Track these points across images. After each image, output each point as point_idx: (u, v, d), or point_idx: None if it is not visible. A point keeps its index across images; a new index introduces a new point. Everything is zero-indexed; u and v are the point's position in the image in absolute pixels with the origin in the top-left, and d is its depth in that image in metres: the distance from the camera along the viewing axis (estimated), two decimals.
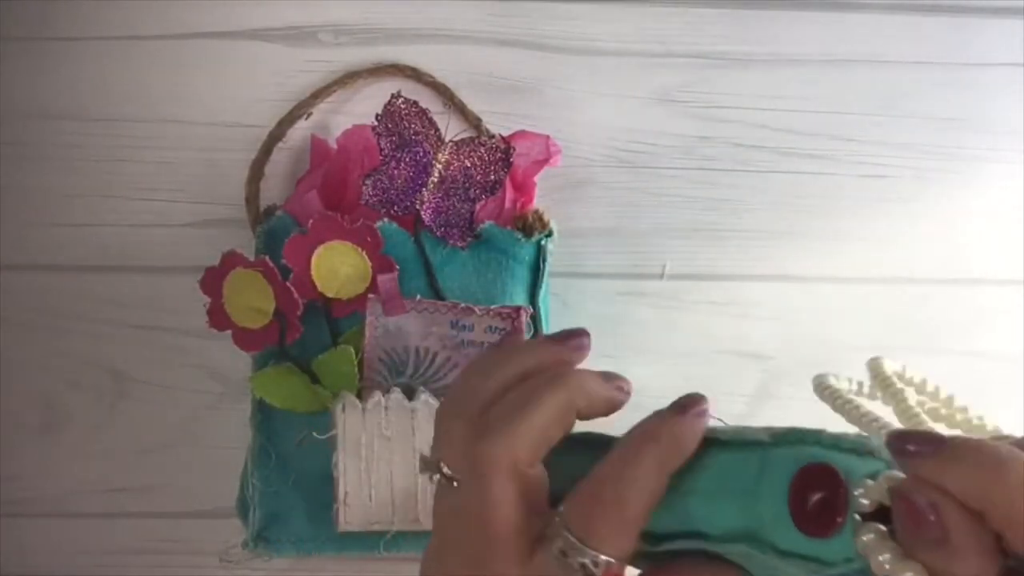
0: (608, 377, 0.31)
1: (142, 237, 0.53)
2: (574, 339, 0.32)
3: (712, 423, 0.29)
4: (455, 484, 0.29)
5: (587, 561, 0.26)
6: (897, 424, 0.31)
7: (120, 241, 0.53)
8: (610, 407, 0.30)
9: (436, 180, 0.48)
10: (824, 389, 0.36)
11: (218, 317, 0.48)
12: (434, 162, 0.48)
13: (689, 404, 0.29)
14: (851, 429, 0.33)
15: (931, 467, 0.23)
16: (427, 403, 0.47)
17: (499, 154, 0.48)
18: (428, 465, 0.30)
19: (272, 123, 0.52)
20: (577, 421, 0.30)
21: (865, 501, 0.24)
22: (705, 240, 0.54)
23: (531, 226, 0.49)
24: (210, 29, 0.53)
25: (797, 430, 0.27)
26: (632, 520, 0.27)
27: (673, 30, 0.54)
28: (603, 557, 0.26)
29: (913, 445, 0.24)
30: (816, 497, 0.25)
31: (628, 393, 0.31)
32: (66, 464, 0.53)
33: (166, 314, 0.53)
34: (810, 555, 0.25)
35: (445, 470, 0.29)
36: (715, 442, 0.28)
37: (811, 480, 0.25)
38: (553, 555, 0.27)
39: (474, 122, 0.52)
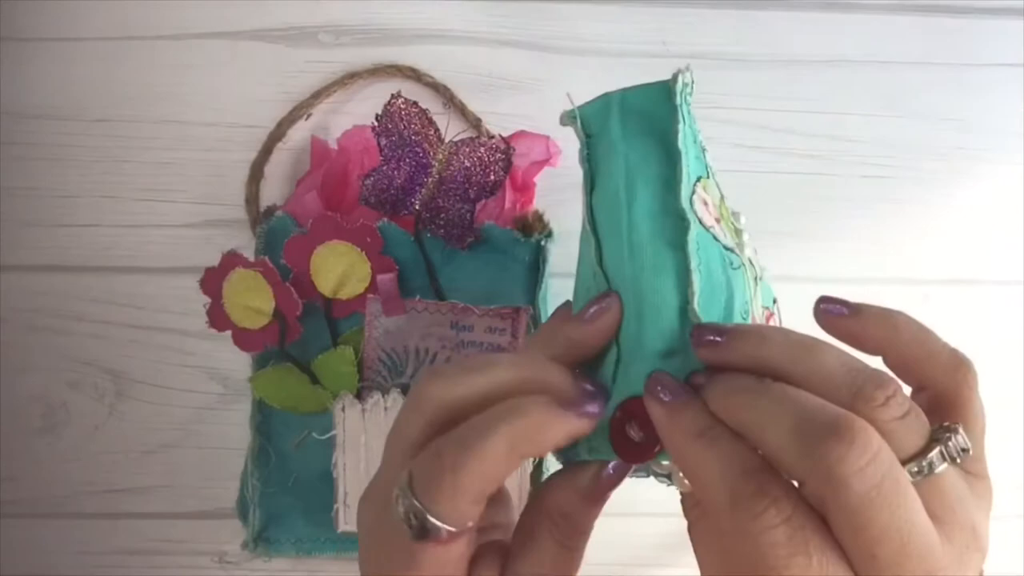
0: (571, 402, 0.28)
1: (142, 237, 0.53)
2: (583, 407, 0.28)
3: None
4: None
5: (424, 523, 0.26)
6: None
7: (120, 241, 0.53)
8: (571, 439, 0.28)
9: (436, 180, 0.48)
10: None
11: (218, 317, 0.48)
12: (434, 162, 0.48)
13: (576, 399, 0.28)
14: None
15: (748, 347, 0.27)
16: None
17: (499, 154, 0.48)
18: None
19: (272, 123, 0.52)
20: None
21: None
22: None
23: (531, 226, 0.49)
24: (210, 29, 0.53)
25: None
26: (467, 486, 0.26)
27: (673, 30, 0.54)
28: (438, 523, 0.26)
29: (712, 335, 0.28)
30: (635, 431, 0.28)
31: (595, 413, 0.28)
32: (66, 464, 0.53)
33: (166, 314, 0.53)
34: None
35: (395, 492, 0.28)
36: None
37: (632, 412, 0.28)
38: (398, 512, 0.27)
39: (474, 122, 0.52)
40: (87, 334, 0.53)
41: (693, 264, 0.29)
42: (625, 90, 0.32)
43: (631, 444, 0.28)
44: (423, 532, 0.26)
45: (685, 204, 0.30)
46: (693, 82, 0.32)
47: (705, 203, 0.31)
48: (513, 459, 0.27)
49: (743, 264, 0.32)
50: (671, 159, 0.30)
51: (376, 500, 0.29)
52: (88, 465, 0.53)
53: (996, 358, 0.55)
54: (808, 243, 0.55)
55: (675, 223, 0.30)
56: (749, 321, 0.32)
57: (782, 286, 0.56)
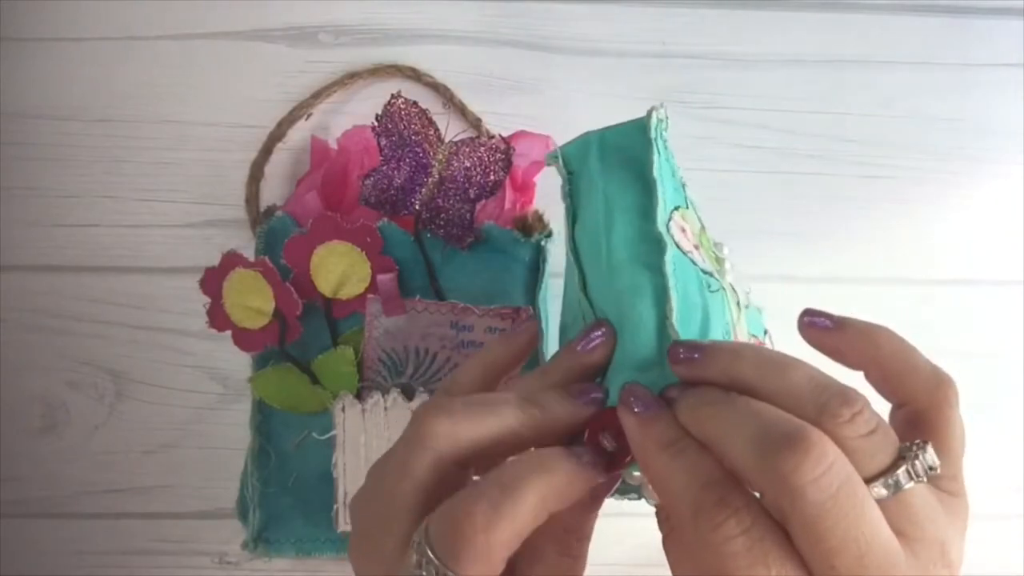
0: (581, 456, 0.28)
1: (142, 237, 0.53)
2: (587, 396, 0.30)
3: None
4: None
5: None
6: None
7: (120, 241, 0.53)
8: (585, 489, 0.28)
9: (436, 180, 0.48)
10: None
11: (218, 317, 0.48)
12: (434, 162, 0.48)
13: (581, 393, 0.30)
14: None
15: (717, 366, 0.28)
16: None
17: (499, 154, 0.48)
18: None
19: (272, 123, 0.52)
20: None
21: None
22: None
23: (531, 226, 0.49)
24: (210, 29, 0.53)
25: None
26: (498, 548, 0.26)
27: (673, 30, 0.54)
28: None
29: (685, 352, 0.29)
30: (607, 440, 0.29)
31: (600, 474, 0.29)
32: (66, 464, 0.53)
33: (166, 314, 0.53)
34: None
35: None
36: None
37: (606, 422, 0.29)
38: (411, 567, 0.26)
39: (474, 122, 0.52)
40: (87, 334, 0.53)
41: (670, 283, 0.30)
42: (604, 129, 0.34)
43: (604, 453, 0.29)
44: None
45: (661, 228, 0.31)
46: (667, 118, 0.34)
47: (683, 230, 0.33)
48: (542, 515, 0.27)
49: (723, 288, 0.33)
50: (647, 189, 0.32)
51: (378, 549, 0.28)
52: (88, 465, 0.53)
53: (996, 358, 0.55)
54: (808, 243, 0.55)
55: (651, 247, 0.31)
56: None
57: (782, 286, 0.56)
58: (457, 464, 0.28)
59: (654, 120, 0.33)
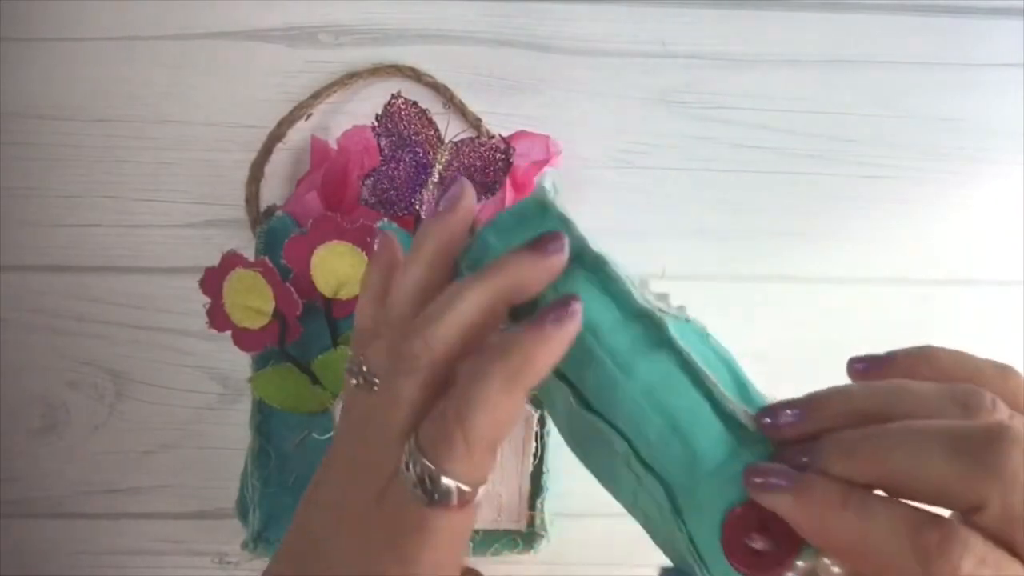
0: (538, 247, 0.27)
1: (142, 237, 0.53)
2: (550, 244, 0.27)
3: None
4: (375, 387, 0.28)
5: (439, 486, 0.25)
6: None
7: (120, 241, 0.53)
8: (549, 278, 0.28)
9: (436, 180, 0.48)
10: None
11: (218, 318, 0.48)
12: (434, 162, 0.48)
13: (542, 245, 0.27)
14: None
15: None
16: None
17: (499, 154, 0.48)
18: (351, 367, 0.29)
19: (272, 123, 0.52)
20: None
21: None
22: (705, 240, 0.54)
23: None
24: (210, 29, 0.53)
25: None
26: (479, 441, 0.25)
27: (673, 30, 0.54)
28: (453, 482, 0.25)
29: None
30: (759, 541, 0.25)
31: (562, 251, 0.27)
32: (66, 464, 0.53)
33: (166, 315, 0.53)
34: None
35: (364, 369, 0.28)
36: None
37: (744, 524, 0.25)
38: (409, 479, 0.26)
39: (474, 122, 0.52)
40: (87, 334, 0.53)
41: (688, 352, 0.27)
42: (486, 227, 0.29)
43: (760, 557, 0.25)
44: (440, 494, 0.26)
45: (640, 301, 0.27)
46: (556, 188, 0.29)
47: (634, 284, 0.28)
48: (516, 395, 0.26)
49: (690, 319, 0.29)
50: (596, 263, 0.28)
51: (368, 478, 0.28)
52: (88, 465, 0.53)
53: (996, 358, 0.55)
54: (808, 243, 0.55)
55: (645, 322, 0.27)
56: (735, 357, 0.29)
57: (782, 286, 0.56)
58: (445, 366, 0.27)
59: (549, 187, 0.28)
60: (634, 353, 0.27)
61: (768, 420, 0.26)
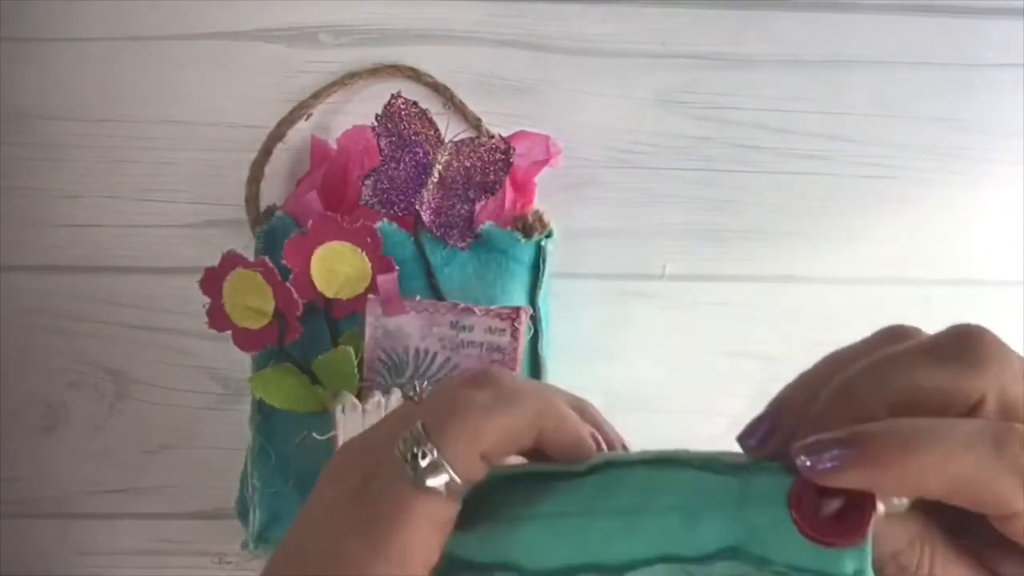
0: (585, 416, 0.28)
1: (142, 237, 0.53)
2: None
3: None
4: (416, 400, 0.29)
5: (431, 463, 0.25)
6: None
7: (120, 241, 0.53)
8: (576, 450, 0.27)
9: (436, 180, 0.48)
10: None
11: (218, 318, 0.48)
12: (434, 162, 0.48)
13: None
14: None
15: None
16: None
17: (499, 154, 0.48)
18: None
19: (272, 123, 0.52)
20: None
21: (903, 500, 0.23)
22: (705, 240, 0.54)
23: (531, 226, 0.49)
24: (211, 29, 0.53)
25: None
26: (486, 438, 0.25)
27: (673, 30, 0.54)
28: (446, 464, 0.25)
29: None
30: (835, 502, 0.23)
31: (598, 448, 0.27)
32: (66, 464, 0.53)
33: (166, 314, 0.53)
34: (812, 568, 0.23)
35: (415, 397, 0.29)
36: (672, 462, 0.26)
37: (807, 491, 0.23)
38: (402, 450, 0.25)
39: (474, 122, 0.52)
40: (87, 334, 0.53)
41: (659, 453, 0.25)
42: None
43: (841, 520, 0.23)
44: (430, 470, 0.25)
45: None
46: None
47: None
48: (534, 429, 0.26)
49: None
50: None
51: (362, 462, 0.27)
52: (88, 465, 0.53)
53: None
54: (808, 243, 0.55)
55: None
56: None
57: (782, 286, 0.56)
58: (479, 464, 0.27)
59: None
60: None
61: (752, 441, 0.25)
